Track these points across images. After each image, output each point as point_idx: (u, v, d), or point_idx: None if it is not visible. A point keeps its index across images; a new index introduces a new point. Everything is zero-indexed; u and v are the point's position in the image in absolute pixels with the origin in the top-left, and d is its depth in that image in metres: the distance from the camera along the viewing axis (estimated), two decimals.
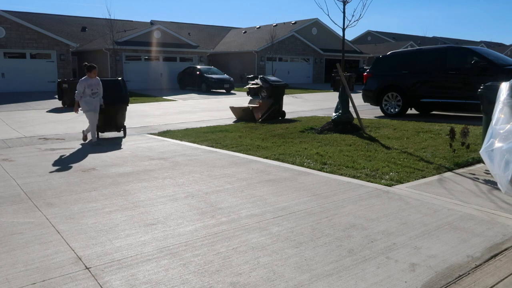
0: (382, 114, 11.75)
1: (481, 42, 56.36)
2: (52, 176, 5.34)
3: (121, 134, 8.96)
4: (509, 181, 2.79)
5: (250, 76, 26.89)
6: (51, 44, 23.72)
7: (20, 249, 3.09)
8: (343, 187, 4.68)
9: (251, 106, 11.30)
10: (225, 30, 42.51)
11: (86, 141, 8.10)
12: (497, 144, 2.95)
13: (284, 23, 37.85)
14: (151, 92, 23.92)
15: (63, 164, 6.08)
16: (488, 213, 3.80)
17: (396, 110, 11.41)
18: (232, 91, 25.09)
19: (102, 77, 9.15)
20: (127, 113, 8.95)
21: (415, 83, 11.07)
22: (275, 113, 11.28)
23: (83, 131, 8.25)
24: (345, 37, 9.60)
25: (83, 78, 7.81)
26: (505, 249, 3.07)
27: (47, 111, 14.43)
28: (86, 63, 8.05)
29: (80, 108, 7.92)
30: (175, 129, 9.71)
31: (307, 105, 16.53)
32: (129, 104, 8.90)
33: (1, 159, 6.50)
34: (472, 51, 10.55)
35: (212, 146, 7.36)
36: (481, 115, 5.63)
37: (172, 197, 4.37)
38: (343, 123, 8.66)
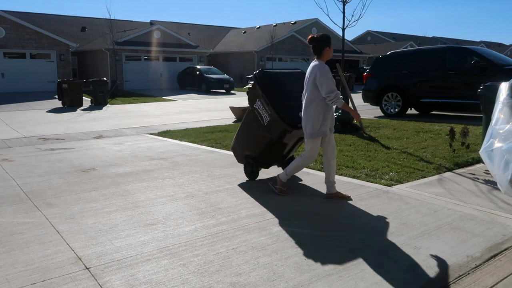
0: (382, 114, 11.74)
1: (481, 42, 56.32)
2: (52, 176, 5.34)
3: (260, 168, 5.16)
4: (508, 181, 2.79)
5: (250, 76, 26.90)
6: (51, 44, 23.71)
7: (20, 249, 3.09)
8: (343, 187, 4.68)
9: None
10: (225, 30, 42.49)
11: (282, 191, 4.44)
12: (497, 144, 2.94)
13: (284, 23, 37.83)
14: (151, 92, 23.92)
15: (63, 164, 6.08)
16: (488, 213, 3.81)
17: (396, 110, 11.41)
18: (232, 91, 25.09)
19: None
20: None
21: (415, 83, 11.07)
22: None
23: (282, 175, 4.42)
24: (345, 37, 9.61)
25: (325, 65, 4.02)
26: (505, 249, 3.07)
27: (47, 111, 14.42)
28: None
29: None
30: (175, 129, 9.71)
31: None
32: None
33: (1, 159, 6.50)
34: (472, 51, 10.55)
35: (212, 146, 7.36)
36: (481, 115, 5.64)
37: (172, 197, 4.37)
38: (343, 123, 8.66)
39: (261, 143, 4.72)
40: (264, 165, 5.01)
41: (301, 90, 4.37)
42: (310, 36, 4.10)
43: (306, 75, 4.16)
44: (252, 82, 4.76)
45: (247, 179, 5.09)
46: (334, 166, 4.26)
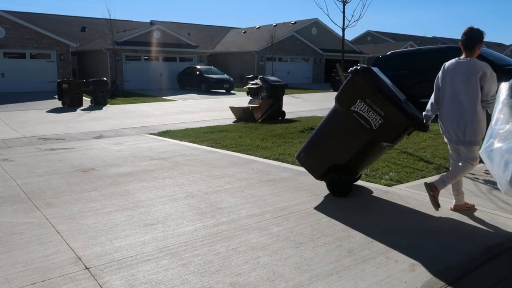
0: None
1: None
2: (52, 176, 5.34)
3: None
4: (508, 181, 2.79)
5: (250, 76, 26.93)
6: (51, 44, 23.70)
7: (20, 249, 3.09)
8: None
9: (251, 106, 11.30)
10: (225, 30, 42.48)
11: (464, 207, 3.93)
12: (497, 145, 2.94)
13: (284, 23, 37.83)
14: (151, 92, 23.92)
15: (63, 164, 6.08)
16: (488, 213, 3.81)
17: None
18: (232, 91, 25.09)
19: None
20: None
21: (415, 83, 11.07)
22: (275, 113, 11.28)
23: (439, 183, 3.77)
24: (345, 37, 9.61)
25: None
26: (505, 249, 3.07)
27: (47, 111, 14.42)
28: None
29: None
30: (175, 129, 9.71)
31: (307, 105, 16.52)
32: None
33: (1, 159, 6.50)
34: None
35: (212, 146, 7.36)
36: None
37: (172, 197, 4.37)
38: None
39: (360, 149, 4.15)
40: (354, 175, 4.44)
41: (392, 88, 4.05)
42: (469, 27, 3.63)
43: (453, 73, 3.68)
44: (347, 80, 4.14)
45: (247, 179, 5.09)
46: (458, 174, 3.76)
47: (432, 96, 3.91)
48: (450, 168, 3.96)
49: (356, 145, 4.15)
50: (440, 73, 3.84)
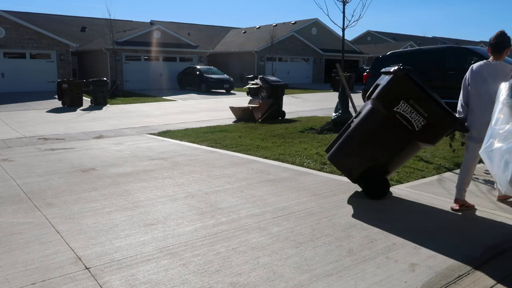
0: None
1: (481, 42, 56.30)
2: (52, 176, 5.34)
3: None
4: (508, 182, 2.79)
5: (250, 76, 26.92)
6: (51, 44, 23.70)
7: (20, 249, 3.09)
8: (343, 187, 4.68)
9: (251, 106, 11.31)
10: (225, 30, 42.48)
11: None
12: (497, 145, 2.95)
13: (284, 23, 37.82)
14: (151, 92, 23.91)
15: (63, 164, 6.08)
16: (488, 213, 3.81)
17: None
18: (232, 91, 25.09)
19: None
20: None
21: None
22: (275, 113, 11.28)
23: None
24: (345, 37, 9.62)
25: None
26: (505, 249, 3.07)
27: (47, 111, 14.42)
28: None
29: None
30: (175, 129, 9.71)
31: (306, 105, 16.52)
32: None
33: (1, 159, 6.50)
34: (472, 51, 10.55)
35: (212, 146, 7.36)
36: None
37: (172, 197, 4.37)
38: (343, 123, 8.66)
39: (399, 150, 4.15)
40: (387, 176, 4.41)
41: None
42: (500, 32, 3.79)
43: (484, 74, 3.77)
44: (389, 80, 4.02)
45: (247, 179, 5.09)
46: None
47: (461, 98, 3.95)
48: (460, 167, 3.97)
49: (396, 146, 4.14)
50: (468, 75, 3.90)
